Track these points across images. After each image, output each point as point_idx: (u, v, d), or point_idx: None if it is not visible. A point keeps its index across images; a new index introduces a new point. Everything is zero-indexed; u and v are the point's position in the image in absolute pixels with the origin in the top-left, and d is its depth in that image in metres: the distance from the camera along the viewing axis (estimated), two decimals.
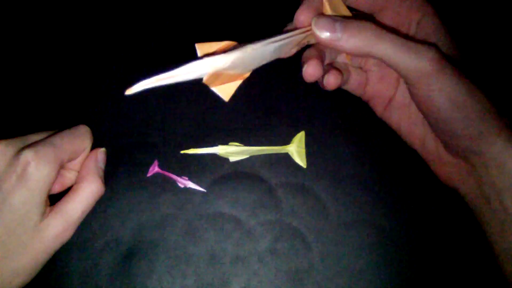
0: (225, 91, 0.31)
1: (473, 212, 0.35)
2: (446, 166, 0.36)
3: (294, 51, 0.32)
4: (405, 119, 0.35)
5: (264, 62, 0.31)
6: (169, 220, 0.42)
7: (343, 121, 0.44)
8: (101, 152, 0.37)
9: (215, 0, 0.47)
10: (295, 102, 0.44)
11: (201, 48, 0.30)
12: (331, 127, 0.44)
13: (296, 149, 0.43)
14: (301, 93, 0.45)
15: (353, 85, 0.37)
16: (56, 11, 0.46)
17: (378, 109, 0.37)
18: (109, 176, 0.43)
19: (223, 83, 0.31)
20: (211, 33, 0.46)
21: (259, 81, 0.45)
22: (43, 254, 0.33)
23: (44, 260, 0.33)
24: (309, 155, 0.43)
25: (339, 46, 0.30)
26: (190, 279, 0.41)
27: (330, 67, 0.34)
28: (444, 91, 0.30)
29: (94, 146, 0.43)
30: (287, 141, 0.44)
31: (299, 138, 0.43)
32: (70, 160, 0.34)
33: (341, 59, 0.36)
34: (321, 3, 0.32)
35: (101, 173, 0.36)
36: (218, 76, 0.29)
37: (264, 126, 0.44)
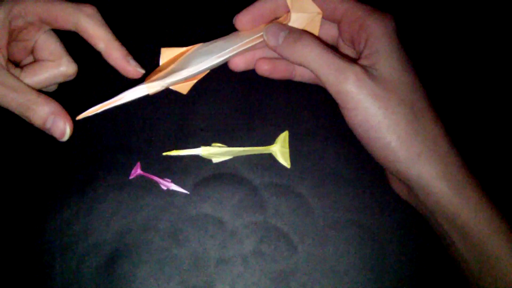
0: (182, 88, 0.34)
1: None
2: (393, 181, 0.37)
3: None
4: None
5: (220, 59, 0.34)
6: (152, 222, 0.42)
7: (327, 121, 0.43)
8: None
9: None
10: (278, 102, 0.44)
11: (164, 53, 0.34)
12: (315, 127, 0.43)
13: (279, 149, 0.43)
14: (284, 93, 0.44)
15: (304, 76, 0.38)
16: None
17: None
18: (91, 179, 0.42)
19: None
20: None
21: (242, 81, 0.44)
22: None
23: None
24: (293, 155, 0.43)
25: (279, 53, 0.33)
26: (174, 282, 0.40)
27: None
28: (358, 111, 0.31)
29: (74, 153, 0.43)
30: (270, 142, 0.43)
31: (283, 138, 0.43)
32: (46, 22, 0.33)
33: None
34: (268, 10, 0.34)
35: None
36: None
37: (247, 126, 0.43)
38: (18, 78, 0.31)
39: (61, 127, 0.31)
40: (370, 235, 0.41)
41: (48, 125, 0.31)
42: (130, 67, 0.32)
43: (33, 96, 0.30)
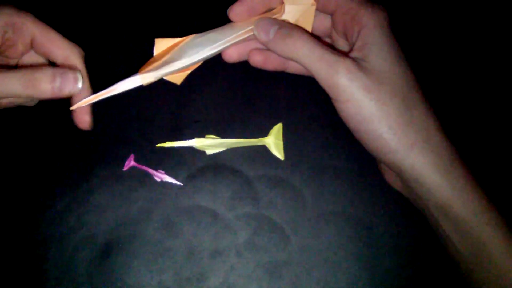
0: (176, 78, 0.34)
1: None
2: (386, 172, 0.37)
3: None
4: None
5: (212, 51, 0.34)
6: (145, 214, 0.41)
7: (321, 113, 0.43)
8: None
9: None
10: (272, 94, 0.44)
11: (158, 44, 0.34)
12: (308, 119, 0.43)
13: (273, 141, 0.43)
14: (278, 85, 0.44)
15: (297, 68, 0.37)
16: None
17: None
18: (85, 170, 0.42)
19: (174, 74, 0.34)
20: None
21: (236, 73, 0.44)
22: None
23: None
24: (286, 147, 0.43)
25: (270, 48, 0.33)
26: (168, 274, 0.40)
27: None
28: (350, 103, 0.31)
29: (68, 144, 0.43)
30: (264, 133, 0.43)
31: (277, 130, 0.43)
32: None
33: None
34: (262, 1, 0.34)
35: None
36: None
37: (241, 118, 0.43)
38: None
39: (71, 76, 0.31)
40: (364, 227, 0.41)
41: (58, 83, 0.30)
42: (86, 118, 0.34)
43: (30, 70, 0.30)
